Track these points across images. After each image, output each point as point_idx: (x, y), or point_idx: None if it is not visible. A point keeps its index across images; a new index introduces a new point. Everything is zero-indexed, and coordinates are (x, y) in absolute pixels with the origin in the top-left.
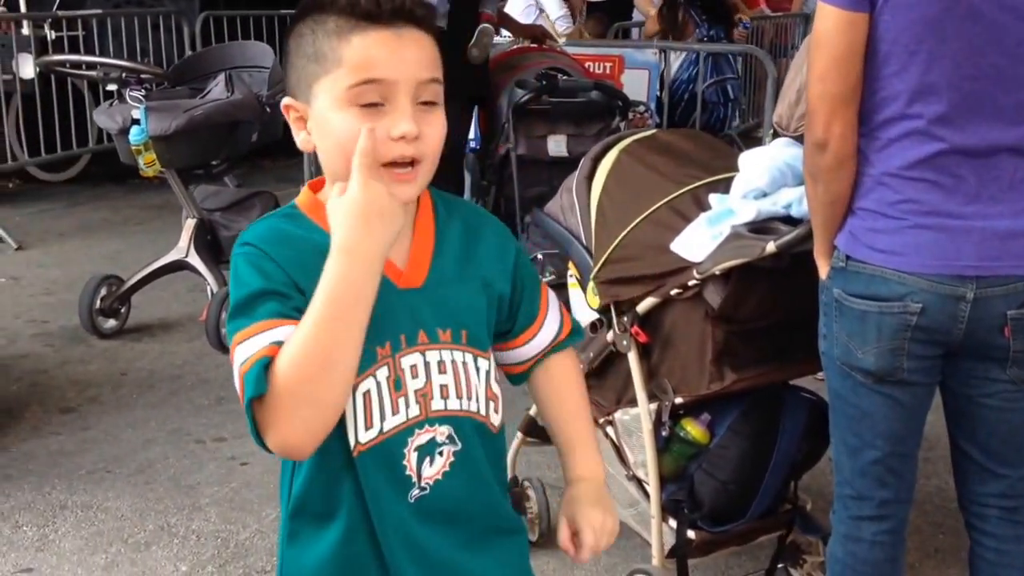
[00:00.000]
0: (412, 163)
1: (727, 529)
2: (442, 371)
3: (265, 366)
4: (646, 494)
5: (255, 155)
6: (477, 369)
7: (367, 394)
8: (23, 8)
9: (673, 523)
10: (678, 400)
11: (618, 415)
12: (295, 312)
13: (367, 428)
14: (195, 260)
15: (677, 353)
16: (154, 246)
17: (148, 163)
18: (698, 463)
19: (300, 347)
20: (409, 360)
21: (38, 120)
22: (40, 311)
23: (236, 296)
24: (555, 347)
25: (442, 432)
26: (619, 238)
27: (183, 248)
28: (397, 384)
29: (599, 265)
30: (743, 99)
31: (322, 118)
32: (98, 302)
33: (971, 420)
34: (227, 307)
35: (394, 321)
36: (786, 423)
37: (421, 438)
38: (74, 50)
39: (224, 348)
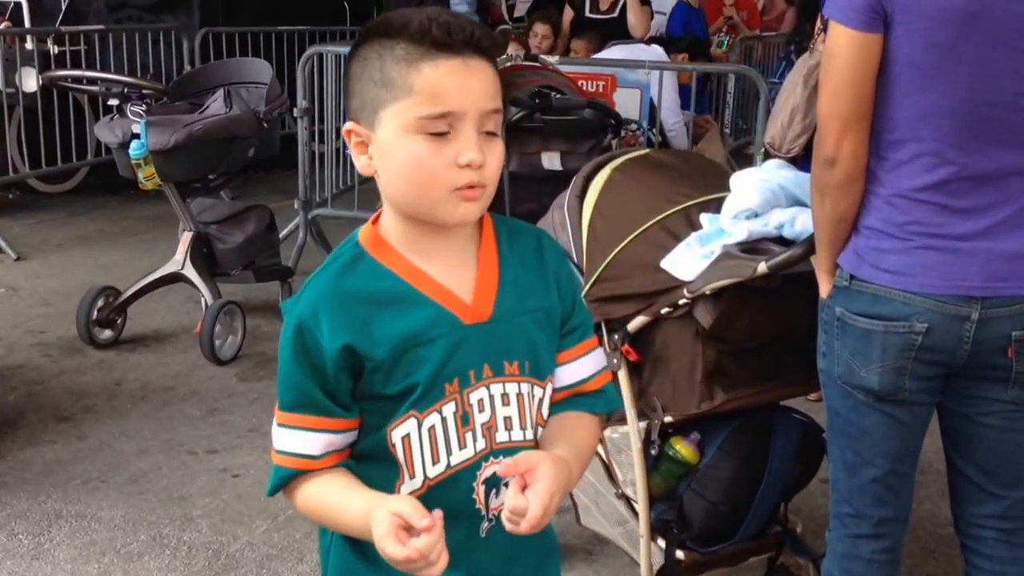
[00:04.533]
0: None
1: (716, 550)
2: (505, 403)
3: (289, 478)
4: (635, 513)
5: (250, 168)
6: (532, 397)
7: (432, 429)
8: (27, 23)
9: (662, 543)
10: (668, 419)
11: (608, 433)
12: (333, 410)
13: (434, 463)
14: (191, 272)
15: (667, 372)
16: (150, 258)
17: (147, 177)
18: (688, 483)
19: (312, 513)
20: (476, 395)
21: (39, 133)
22: (38, 321)
23: (282, 381)
24: (586, 399)
25: None
26: (610, 256)
27: (179, 260)
28: (464, 419)
29: (590, 283)
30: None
31: (388, 144)
32: (95, 313)
33: (970, 440)
34: (221, 320)
35: (462, 358)
36: (777, 444)
37: (488, 471)
38: (76, 64)
39: (217, 360)
